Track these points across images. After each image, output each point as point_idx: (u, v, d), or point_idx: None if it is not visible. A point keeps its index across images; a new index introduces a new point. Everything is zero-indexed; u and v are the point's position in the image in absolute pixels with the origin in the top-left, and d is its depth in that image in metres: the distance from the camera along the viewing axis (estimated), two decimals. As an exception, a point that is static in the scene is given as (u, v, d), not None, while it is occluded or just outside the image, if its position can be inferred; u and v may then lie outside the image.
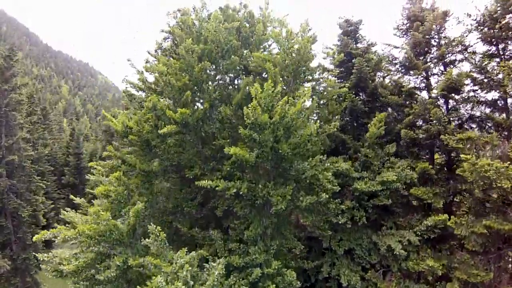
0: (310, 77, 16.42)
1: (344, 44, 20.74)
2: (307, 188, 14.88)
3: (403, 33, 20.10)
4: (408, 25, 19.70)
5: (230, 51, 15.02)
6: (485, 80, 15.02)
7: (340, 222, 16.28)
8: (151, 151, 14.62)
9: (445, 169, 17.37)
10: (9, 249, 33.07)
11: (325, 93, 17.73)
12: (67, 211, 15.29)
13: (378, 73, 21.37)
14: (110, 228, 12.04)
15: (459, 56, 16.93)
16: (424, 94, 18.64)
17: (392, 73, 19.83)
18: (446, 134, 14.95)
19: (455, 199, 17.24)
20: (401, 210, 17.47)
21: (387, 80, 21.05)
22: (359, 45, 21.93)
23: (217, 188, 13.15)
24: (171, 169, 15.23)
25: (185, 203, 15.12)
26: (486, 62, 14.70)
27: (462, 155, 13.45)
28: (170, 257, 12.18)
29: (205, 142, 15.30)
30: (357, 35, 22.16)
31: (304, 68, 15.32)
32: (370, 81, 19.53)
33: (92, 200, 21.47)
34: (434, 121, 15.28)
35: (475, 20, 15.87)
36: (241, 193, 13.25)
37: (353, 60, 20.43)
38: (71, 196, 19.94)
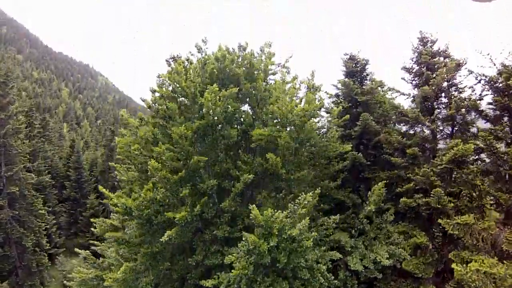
0: (313, 148, 15.72)
1: (349, 89, 20.10)
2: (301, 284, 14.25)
3: (413, 78, 19.47)
4: (417, 68, 19.09)
5: (228, 123, 14.39)
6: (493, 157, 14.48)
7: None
8: (152, 227, 14.12)
9: (441, 236, 16.93)
10: (15, 276, 33.62)
11: (325, 152, 17.03)
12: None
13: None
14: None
15: (469, 117, 16.33)
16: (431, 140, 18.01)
17: (399, 126, 19.20)
18: (445, 215, 14.53)
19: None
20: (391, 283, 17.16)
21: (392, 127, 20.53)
22: (365, 81, 21.37)
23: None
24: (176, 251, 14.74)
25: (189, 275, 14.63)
26: (494, 142, 14.07)
27: (453, 265, 13.20)
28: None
29: (206, 226, 14.76)
30: (364, 74, 21.56)
31: (308, 144, 14.71)
32: (375, 135, 18.93)
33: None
34: (435, 198, 14.86)
35: (488, 81, 15.26)
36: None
37: (358, 109, 19.83)
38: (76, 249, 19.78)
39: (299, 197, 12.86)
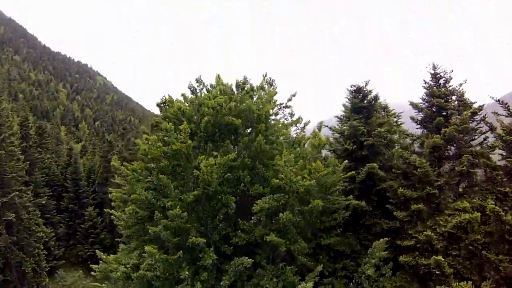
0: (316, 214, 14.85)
1: (355, 130, 19.19)
2: None
3: (422, 120, 18.59)
4: (427, 108, 18.19)
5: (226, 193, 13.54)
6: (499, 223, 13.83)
7: None
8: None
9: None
10: (16, 300, 33.70)
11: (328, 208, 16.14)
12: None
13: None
14: None
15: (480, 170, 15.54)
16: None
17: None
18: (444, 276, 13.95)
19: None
20: None
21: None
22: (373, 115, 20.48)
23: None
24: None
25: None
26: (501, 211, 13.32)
27: None
28: None
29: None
30: (371, 110, 20.63)
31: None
32: (379, 180, 18.12)
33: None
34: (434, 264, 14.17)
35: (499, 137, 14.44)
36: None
37: (363, 152, 18.96)
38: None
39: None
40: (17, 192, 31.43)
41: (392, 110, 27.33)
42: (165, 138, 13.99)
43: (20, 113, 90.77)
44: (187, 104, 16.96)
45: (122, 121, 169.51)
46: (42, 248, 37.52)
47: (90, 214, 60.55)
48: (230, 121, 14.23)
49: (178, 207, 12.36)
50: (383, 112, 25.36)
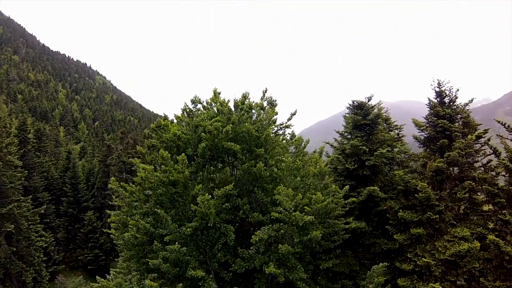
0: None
1: (357, 149, 18.89)
2: None
3: (425, 140, 18.30)
4: (430, 128, 17.88)
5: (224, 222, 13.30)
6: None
7: None
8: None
9: None
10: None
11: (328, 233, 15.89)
12: None
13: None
14: None
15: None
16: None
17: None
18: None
19: None
20: None
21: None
22: (376, 131, 20.19)
23: None
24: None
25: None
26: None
27: None
28: None
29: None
30: (374, 126, 20.28)
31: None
32: (380, 200, 17.90)
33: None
34: None
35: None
36: None
37: (364, 172, 18.71)
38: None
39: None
40: (16, 203, 31.15)
41: (394, 121, 27.09)
42: (162, 166, 13.73)
43: (19, 115, 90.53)
44: (184, 124, 16.62)
45: (121, 121, 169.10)
46: (42, 256, 37.44)
47: (90, 218, 60.42)
48: (229, 146, 13.97)
49: (176, 243, 12.15)
50: (385, 124, 25.11)
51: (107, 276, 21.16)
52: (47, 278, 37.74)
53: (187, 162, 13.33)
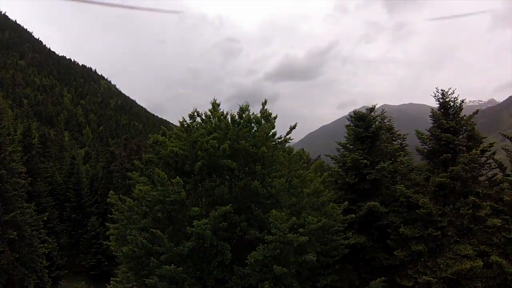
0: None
1: (358, 163, 18.59)
2: None
3: (428, 152, 17.99)
4: (434, 140, 17.56)
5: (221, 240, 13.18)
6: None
7: None
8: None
9: None
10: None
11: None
12: None
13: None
14: None
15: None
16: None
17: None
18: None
19: None
20: None
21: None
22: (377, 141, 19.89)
23: None
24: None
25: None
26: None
27: None
28: None
29: None
30: (376, 138, 20.00)
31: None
32: (381, 214, 17.61)
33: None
34: None
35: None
36: None
37: (365, 186, 18.45)
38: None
39: None
40: (19, 210, 31.24)
41: (397, 131, 26.73)
42: (158, 186, 13.64)
43: (24, 120, 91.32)
44: (182, 137, 16.54)
45: (126, 125, 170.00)
46: (45, 262, 37.45)
47: (93, 224, 60.47)
48: (226, 163, 13.89)
49: (172, 264, 12.05)
50: (388, 134, 24.80)
51: (107, 286, 21.09)
52: (49, 284, 37.73)
53: (182, 183, 13.27)
